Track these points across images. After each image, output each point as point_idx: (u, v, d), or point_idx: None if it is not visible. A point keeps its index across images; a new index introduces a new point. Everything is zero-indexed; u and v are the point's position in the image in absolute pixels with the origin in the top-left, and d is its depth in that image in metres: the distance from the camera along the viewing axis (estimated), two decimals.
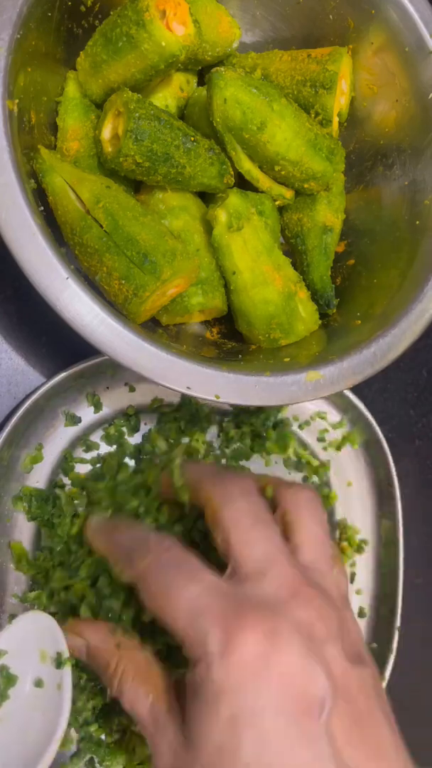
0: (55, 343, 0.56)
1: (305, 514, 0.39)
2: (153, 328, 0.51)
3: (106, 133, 0.48)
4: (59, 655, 0.48)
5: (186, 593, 0.34)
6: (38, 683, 0.48)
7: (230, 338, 0.54)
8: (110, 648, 0.40)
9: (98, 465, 0.55)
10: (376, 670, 0.36)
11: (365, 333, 0.48)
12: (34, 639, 0.48)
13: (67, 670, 0.47)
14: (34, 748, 0.45)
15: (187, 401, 0.56)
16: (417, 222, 0.51)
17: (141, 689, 0.37)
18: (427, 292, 0.48)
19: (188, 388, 0.43)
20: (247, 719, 0.30)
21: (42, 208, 0.45)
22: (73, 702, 0.50)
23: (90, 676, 0.51)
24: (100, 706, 0.52)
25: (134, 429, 0.56)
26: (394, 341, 0.47)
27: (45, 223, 0.43)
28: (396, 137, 0.54)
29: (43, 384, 0.52)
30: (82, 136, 0.50)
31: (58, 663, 0.48)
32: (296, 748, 0.30)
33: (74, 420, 0.55)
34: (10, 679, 0.47)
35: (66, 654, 0.48)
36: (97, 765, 0.52)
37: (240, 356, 0.51)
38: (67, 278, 0.41)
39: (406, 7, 0.51)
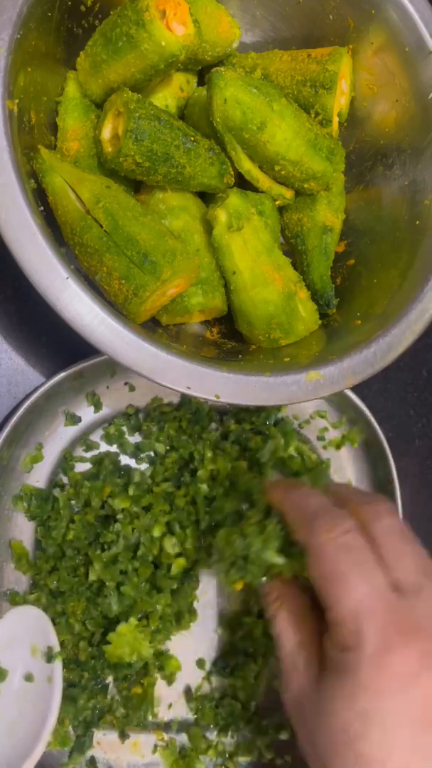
0: (55, 343, 0.56)
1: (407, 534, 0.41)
2: (153, 328, 0.51)
3: (106, 133, 0.48)
4: (50, 649, 0.48)
5: (359, 589, 0.36)
6: (28, 677, 0.48)
7: (230, 338, 0.54)
8: (276, 585, 0.43)
9: (95, 465, 0.55)
10: None
11: (365, 333, 0.48)
12: (25, 633, 0.48)
13: (58, 664, 0.47)
14: (24, 740, 0.45)
15: (187, 400, 0.56)
16: (417, 222, 0.51)
17: (290, 629, 0.40)
18: (427, 292, 0.48)
19: (188, 388, 0.43)
20: (378, 718, 0.33)
21: (42, 208, 0.45)
22: (74, 700, 0.50)
23: (92, 675, 0.51)
24: (101, 705, 0.52)
25: (134, 428, 0.56)
26: (394, 341, 0.47)
27: (45, 223, 0.43)
28: (396, 137, 0.54)
29: (43, 384, 0.52)
30: (82, 136, 0.50)
31: (49, 657, 0.48)
32: (413, 756, 0.33)
33: (74, 419, 0.55)
34: (1, 674, 0.47)
35: (57, 648, 0.48)
36: (98, 762, 0.52)
37: (240, 356, 0.51)
38: (67, 278, 0.41)
39: (406, 7, 0.51)
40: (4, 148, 0.41)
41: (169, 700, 0.54)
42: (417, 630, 0.35)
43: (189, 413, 0.56)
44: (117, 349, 0.42)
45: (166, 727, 0.53)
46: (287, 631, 0.40)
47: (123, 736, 0.52)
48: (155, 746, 0.53)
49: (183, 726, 0.54)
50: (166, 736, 0.53)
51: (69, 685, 0.50)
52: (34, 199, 0.43)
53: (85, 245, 0.46)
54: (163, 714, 0.54)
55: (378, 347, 0.47)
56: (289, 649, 0.40)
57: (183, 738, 0.53)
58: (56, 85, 0.51)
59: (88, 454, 0.55)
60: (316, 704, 0.36)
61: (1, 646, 0.48)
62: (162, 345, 0.43)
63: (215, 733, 0.54)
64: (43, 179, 0.46)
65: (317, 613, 0.40)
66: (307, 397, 0.45)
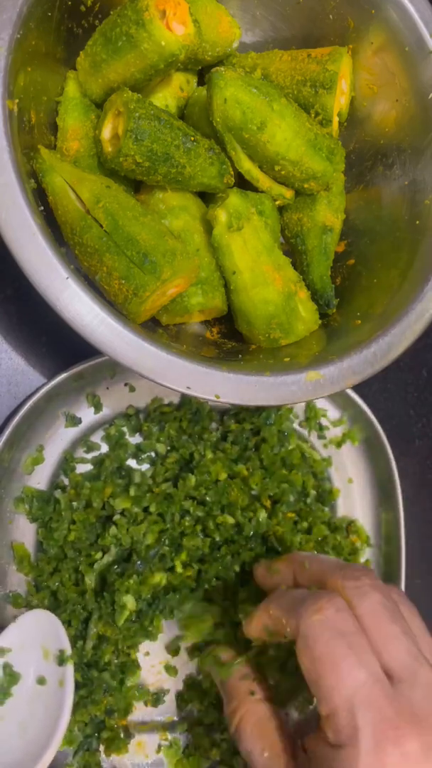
0: (55, 343, 0.56)
1: (406, 606, 0.40)
2: (153, 327, 0.51)
3: (106, 132, 0.48)
4: (62, 652, 0.48)
5: (353, 677, 0.34)
6: (41, 680, 0.48)
7: (230, 338, 0.54)
8: (237, 690, 0.42)
9: (96, 466, 0.55)
10: None
11: (365, 333, 0.48)
12: (37, 637, 0.49)
13: (69, 667, 0.47)
14: (36, 743, 0.46)
15: (187, 400, 0.56)
16: (417, 222, 0.51)
17: (258, 743, 0.38)
18: (427, 292, 0.48)
19: (188, 387, 0.43)
20: None
21: (42, 207, 0.45)
22: (82, 700, 0.50)
23: (99, 675, 0.51)
24: (108, 705, 0.52)
25: (135, 429, 0.56)
26: (394, 341, 0.47)
27: (45, 223, 0.43)
28: (396, 137, 0.54)
29: (43, 385, 0.52)
30: (82, 135, 0.50)
31: (60, 660, 0.48)
32: None
33: (74, 421, 0.55)
34: (14, 677, 0.47)
35: (68, 652, 0.48)
36: (103, 761, 0.52)
37: (240, 356, 0.51)
38: (67, 278, 0.41)
39: (406, 7, 0.51)
40: (4, 148, 0.41)
41: (172, 701, 0.54)
42: (415, 722, 0.33)
43: (189, 413, 0.56)
44: (117, 349, 0.42)
45: (170, 726, 0.53)
46: (255, 750, 0.38)
47: (128, 736, 0.52)
48: (159, 746, 0.53)
49: (187, 725, 0.54)
50: (170, 736, 0.53)
51: (76, 685, 0.50)
52: (34, 199, 0.43)
53: (85, 245, 0.46)
54: (168, 713, 0.54)
55: (378, 347, 0.47)
56: (263, 764, 0.38)
57: (187, 738, 0.53)
58: (56, 84, 0.51)
59: (89, 455, 0.55)
60: None
61: (14, 650, 0.48)
62: (162, 345, 0.43)
63: (219, 732, 0.54)
64: (43, 179, 0.46)
65: (280, 721, 0.39)
66: (307, 397, 0.45)
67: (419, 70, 0.52)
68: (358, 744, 0.33)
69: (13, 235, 0.41)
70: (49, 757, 0.45)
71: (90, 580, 0.50)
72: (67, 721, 0.46)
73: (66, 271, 0.41)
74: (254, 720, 0.39)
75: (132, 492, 0.52)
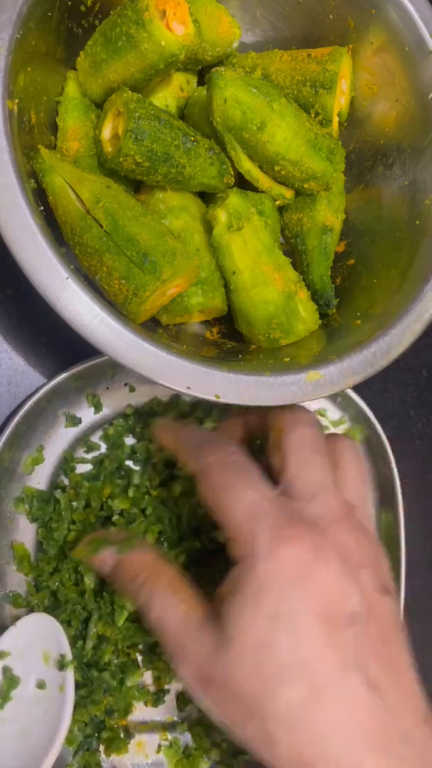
0: (55, 343, 0.56)
1: (350, 456, 0.42)
2: (153, 327, 0.51)
3: (106, 132, 0.48)
4: (62, 657, 0.48)
5: (246, 495, 0.37)
6: (41, 685, 0.48)
7: (230, 338, 0.54)
8: (142, 559, 0.42)
9: (95, 466, 0.55)
10: (399, 604, 0.39)
11: (365, 333, 0.48)
12: (37, 640, 0.49)
13: (70, 673, 0.47)
14: (36, 748, 0.45)
15: (174, 399, 0.56)
16: (417, 222, 0.51)
17: (173, 598, 0.38)
18: (427, 292, 0.48)
19: (188, 387, 0.43)
20: (285, 617, 0.33)
21: (42, 207, 0.45)
22: (82, 700, 0.50)
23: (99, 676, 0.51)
24: (108, 705, 0.52)
25: (130, 429, 0.56)
26: (394, 341, 0.47)
27: (45, 223, 0.43)
28: (396, 137, 0.54)
29: (43, 385, 0.52)
30: (82, 135, 0.50)
31: (61, 665, 0.48)
32: (327, 651, 0.33)
33: (74, 421, 0.55)
34: (13, 681, 0.47)
35: (69, 657, 0.48)
36: (103, 761, 0.52)
37: (240, 356, 0.51)
38: (67, 278, 0.41)
39: (406, 7, 0.51)
40: (4, 148, 0.41)
41: (172, 701, 0.54)
42: (307, 525, 0.36)
43: (175, 412, 0.56)
44: (117, 349, 0.42)
45: (170, 726, 0.53)
46: (171, 606, 0.38)
47: (128, 736, 0.52)
48: (159, 746, 0.53)
49: (187, 726, 0.54)
50: (170, 736, 0.53)
51: (76, 685, 0.50)
52: (34, 199, 0.43)
53: (85, 245, 0.46)
54: (168, 713, 0.54)
55: (378, 347, 0.47)
56: (178, 622, 0.37)
57: (187, 737, 0.53)
58: (56, 84, 0.51)
59: (89, 455, 0.55)
60: (222, 647, 0.34)
61: (13, 654, 0.48)
62: (162, 345, 0.43)
63: (219, 732, 0.53)
64: (43, 179, 0.46)
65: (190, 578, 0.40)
66: (307, 397, 0.45)
67: (419, 70, 0.52)
68: (255, 549, 0.35)
69: (13, 235, 0.41)
70: (49, 762, 0.45)
71: (89, 581, 0.50)
72: (67, 727, 0.46)
73: (66, 271, 0.41)
74: (167, 580, 0.40)
75: (131, 493, 0.52)
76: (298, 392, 0.45)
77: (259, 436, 0.46)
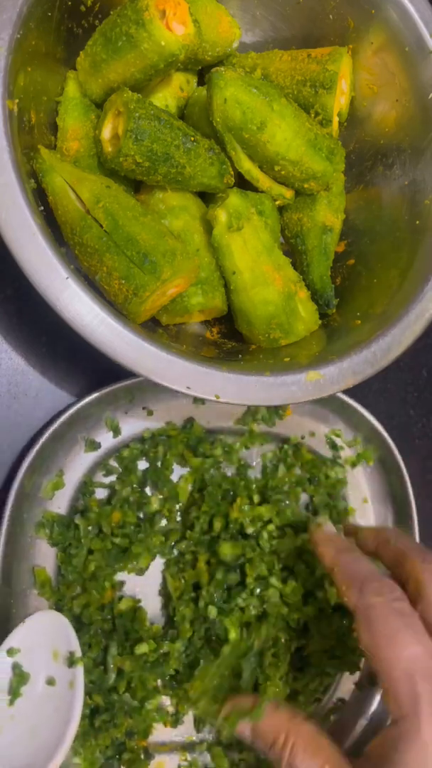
0: (55, 343, 0.56)
1: None
2: (153, 328, 0.51)
3: (106, 132, 0.48)
4: (71, 654, 0.48)
5: (410, 650, 0.35)
6: (50, 681, 0.48)
7: (230, 338, 0.54)
8: (277, 722, 0.41)
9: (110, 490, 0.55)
10: None
11: (365, 333, 0.48)
12: (47, 638, 0.48)
13: (80, 669, 0.47)
14: (47, 745, 0.45)
15: (189, 424, 0.56)
16: (417, 222, 0.51)
17: (314, 762, 0.38)
18: (426, 292, 0.48)
19: (188, 387, 0.43)
20: None
21: (42, 207, 0.45)
22: (104, 723, 0.50)
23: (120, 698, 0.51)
24: (129, 727, 0.52)
25: (147, 453, 0.56)
26: (394, 341, 0.47)
27: (45, 223, 0.43)
28: (396, 137, 0.54)
29: (63, 411, 0.52)
30: (82, 135, 0.50)
31: (70, 662, 0.48)
32: None
33: (94, 446, 0.54)
34: (23, 677, 0.47)
35: (78, 653, 0.48)
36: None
37: (240, 356, 0.51)
38: (67, 278, 0.41)
39: (406, 7, 0.51)
40: (4, 148, 0.41)
41: (190, 721, 0.54)
42: None
43: (187, 438, 0.56)
44: (117, 349, 0.42)
45: (189, 747, 0.53)
46: (314, 764, 0.38)
47: (147, 757, 0.52)
48: (179, 766, 0.53)
49: (206, 745, 0.54)
50: (189, 757, 0.53)
51: (97, 710, 0.50)
52: (34, 199, 0.43)
53: (85, 245, 0.46)
54: (187, 733, 0.54)
55: (378, 347, 0.47)
56: None
57: (206, 758, 0.53)
58: (56, 84, 0.51)
59: (107, 480, 0.55)
60: None
61: (23, 650, 0.48)
62: (162, 345, 0.43)
63: (238, 752, 0.53)
64: (43, 179, 0.46)
65: (329, 736, 0.39)
66: (307, 397, 0.45)
67: (419, 70, 0.52)
68: (419, 711, 0.34)
69: (13, 235, 0.41)
70: (59, 759, 0.44)
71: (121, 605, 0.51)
72: (77, 724, 0.46)
73: (66, 271, 0.41)
74: (305, 740, 0.39)
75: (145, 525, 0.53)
76: (298, 392, 0.45)
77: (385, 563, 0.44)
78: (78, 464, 0.54)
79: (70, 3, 0.48)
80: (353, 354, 0.46)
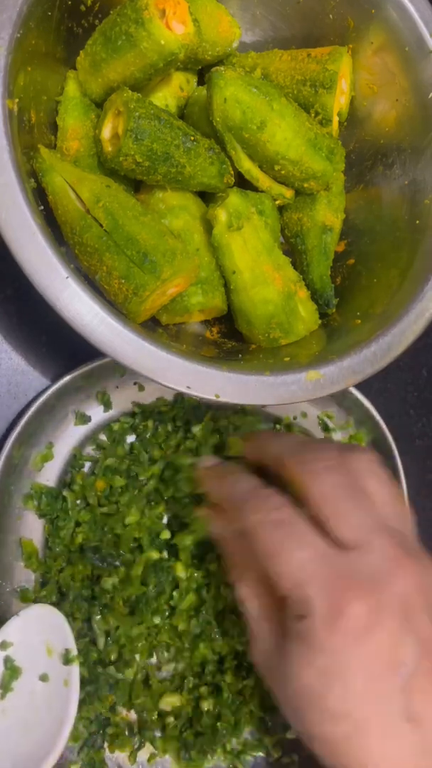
0: (56, 343, 0.56)
1: (375, 478, 0.42)
2: (153, 327, 0.51)
3: (106, 132, 0.48)
4: (67, 651, 0.48)
5: (295, 557, 0.37)
6: (44, 677, 0.47)
7: (230, 338, 0.54)
8: (239, 549, 0.43)
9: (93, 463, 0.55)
10: None
11: (365, 332, 0.48)
12: (41, 633, 0.48)
13: (75, 668, 0.47)
14: (40, 743, 0.45)
15: (179, 398, 0.56)
16: (417, 221, 0.51)
17: (253, 597, 0.41)
18: (427, 292, 0.48)
19: (188, 387, 0.43)
20: (337, 673, 0.35)
21: (42, 207, 0.45)
22: (88, 697, 0.50)
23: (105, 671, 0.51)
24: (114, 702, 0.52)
25: (136, 428, 0.56)
26: (394, 341, 0.47)
27: (45, 223, 0.43)
28: (396, 137, 0.54)
29: (52, 383, 0.52)
30: (82, 135, 0.50)
31: (66, 659, 0.47)
32: (372, 702, 0.35)
33: (84, 419, 0.55)
34: (15, 672, 0.47)
35: (74, 651, 0.47)
36: (106, 750, 0.52)
37: (240, 356, 0.51)
38: (67, 278, 0.41)
39: (406, 7, 0.51)
40: (4, 148, 0.41)
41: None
42: (362, 586, 0.36)
43: (182, 411, 0.56)
44: (117, 349, 0.42)
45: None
46: (250, 600, 0.41)
47: (132, 734, 0.52)
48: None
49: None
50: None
51: (82, 681, 0.50)
52: (34, 198, 0.43)
53: (84, 244, 0.46)
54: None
55: (378, 347, 0.47)
56: (254, 616, 0.41)
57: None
58: (56, 84, 0.51)
59: (97, 453, 0.55)
60: (281, 667, 0.38)
61: (16, 644, 0.47)
62: (162, 344, 0.43)
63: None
64: (43, 178, 0.46)
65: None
66: (307, 396, 0.45)
67: (419, 69, 0.52)
68: (312, 614, 0.36)
69: (13, 235, 0.41)
70: (53, 758, 0.44)
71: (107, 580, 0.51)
72: (72, 723, 0.46)
73: (66, 271, 0.41)
74: (253, 575, 0.42)
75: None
76: (298, 392, 0.45)
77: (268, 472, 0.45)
78: (68, 437, 0.55)
79: (70, 3, 0.48)
80: (353, 353, 0.46)
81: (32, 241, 0.41)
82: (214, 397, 0.43)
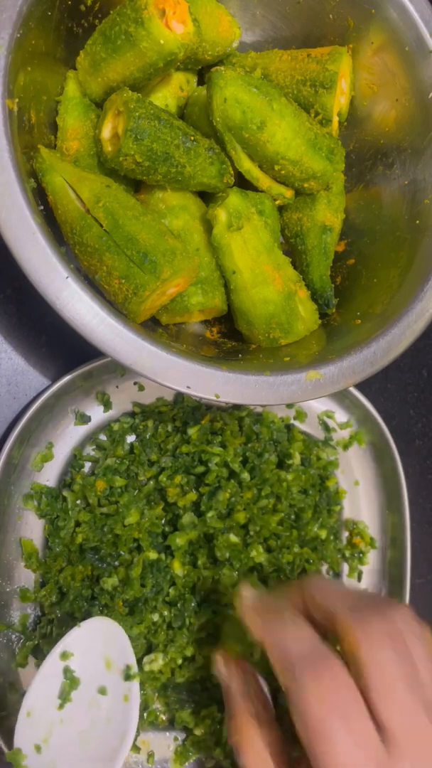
0: (55, 343, 0.56)
1: (420, 645, 0.37)
2: (153, 327, 0.51)
3: (106, 132, 0.48)
4: (128, 667, 0.47)
5: (343, 747, 0.34)
6: (102, 691, 0.47)
7: (230, 338, 0.54)
8: (243, 707, 0.41)
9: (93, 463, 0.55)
10: None
11: (365, 332, 0.48)
12: (101, 645, 0.47)
13: (136, 684, 0.46)
14: (98, 756, 0.44)
15: (180, 400, 0.56)
16: (417, 221, 0.51)
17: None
18: (427, 291, 0.48)
19: (188, 387, 0.43)
20: None
21: (42, 207, 0.45)
22: None
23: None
24: None
25: (136, 428, 0.56)
26: (394, 341, 0.47)
27: (45, 223, 0.42)
28: (396, 136, 0.54)
29: (52, 383, 0.52)
30: (82, 135, 0.50)
31: (127, 675, 0.47)
32: None
33: (84, 419, 0.55)
34: (74, 682, 0.46)
35: (135, 668, 0.47)
36: None
37: (240, 356, 0.51)
38: (67, 277, 0.41)
39: (405, 7, 0.51)
40: (4, 148, 0.41)
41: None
42: None
43: (182, 412, 0.56)
44: (117, 349, 0.42)
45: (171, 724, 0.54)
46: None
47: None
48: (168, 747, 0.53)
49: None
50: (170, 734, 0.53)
51: None
52: (34, 198, 0.43)
53: (84, 244, 0.46)
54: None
55: (378, 347, 0.47)
56: None
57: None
58: (56, 84, 0.51)
59: (98, 453, 0.55)
60: None
61: (76, 656, 0.47)
62: (162, 344, 0.43)
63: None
64: (43, 178, 0.46)
65: (281, 747, 0.39)
66: (307, 396, 0.45)
67: (419, 69, 0.52)
68: None
69: (13, 235, 0.41)
70: None
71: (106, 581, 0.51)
72: (132, 738, 0.44)
73: (66, 271, 0.41)
74: (254, 750, 0.39)
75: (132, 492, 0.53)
76: (298, 392, 0.45)
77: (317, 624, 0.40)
78: (68, 437, 0.55)
79: (70, 3, 0.48)
80: (353, 353, 0.46)
81: (32, 240, 0.41)
82: (214, 397, 0.43)
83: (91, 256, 0.46)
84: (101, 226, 0.45)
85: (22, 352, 0.56)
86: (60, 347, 0.56)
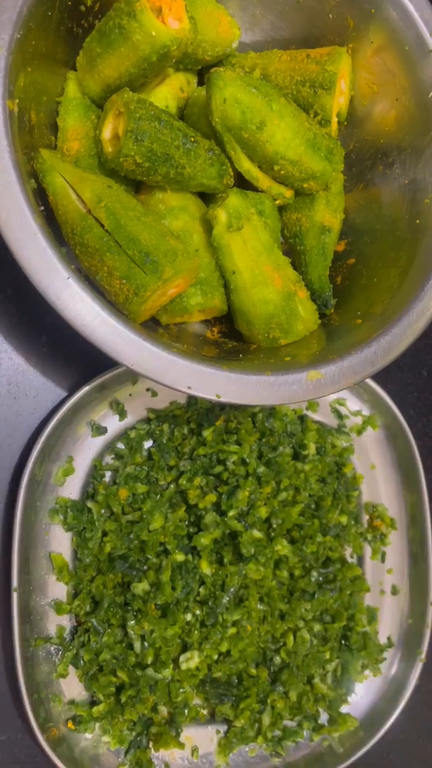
0: (55, 343, 0.56)
1: None
2: (153, 327, 0.51)
3: (107, 133, 0.48)
4: None
5: None
6: None
7: (231, 338, 0.54)
8: None
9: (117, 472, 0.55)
10: None
11: (365, 332, 0.48)
12: None
13: None
14: None
15: (193, 402, 0.57)
16: (417, 221, 0.51)
17: None
18: (427, 291, 0.48)
19: (189, 387, 0.43)
20: None
21: (42, 207, 0.45)
22: (130, 700, 0.50)
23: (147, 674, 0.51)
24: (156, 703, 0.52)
25: (153, 433, 0.56)
26: (395, 340, 0.47)
27: (45, 223, 0.43)
28: (396, 136, 0.54)
29: (67, 398, 0.52)
30: (82, 136, 0.50)
31: None
32: None
33: (100, 430, 0.55)
34: None
35: None
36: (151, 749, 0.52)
37: (240, 355, 0.51)
38: (68, 278, 0.41)
39: (405, 6, 0.51)
40: (4, 148, 0.41)
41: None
42: None
43: (196, 414, 0.56)
44: (118, 349, 0.42)
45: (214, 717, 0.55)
46: None
47: (173, 727, 0.53)
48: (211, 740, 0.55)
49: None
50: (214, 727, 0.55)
51: (122, 686, 0.51)
52: (35, 198, 0.43)
53: (85, 245, 0.46)
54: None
55: (378, 346, 0.47)
56: None
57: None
58: (56, 85, 0.51)
59: (117, 462, 0.56)
60: None
61: None
62: (163, 344, 0.43)
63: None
64: (43, 179, 0.46)
65: None
66: (307, 396, 0.45)
67: (419, 69, 0.52)
68: None
69: (14, 235, 0.41)
70: None
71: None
72: None
73: (66, 271, 0.41)
74: None
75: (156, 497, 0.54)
76: (299, 391, 0.45)
77: None
78: (87, 449, 0.55)
79: (70, 3, 0.48)
80: (354, 353, 0.46)
81: (33, 241, 0.41)
82: (215, 397, 0.43)
83: (91, 257, 0.46)
84: (102, 226, 0.45)
85: (22, 352, 0.56)
86: (60, 347, 0.56)
